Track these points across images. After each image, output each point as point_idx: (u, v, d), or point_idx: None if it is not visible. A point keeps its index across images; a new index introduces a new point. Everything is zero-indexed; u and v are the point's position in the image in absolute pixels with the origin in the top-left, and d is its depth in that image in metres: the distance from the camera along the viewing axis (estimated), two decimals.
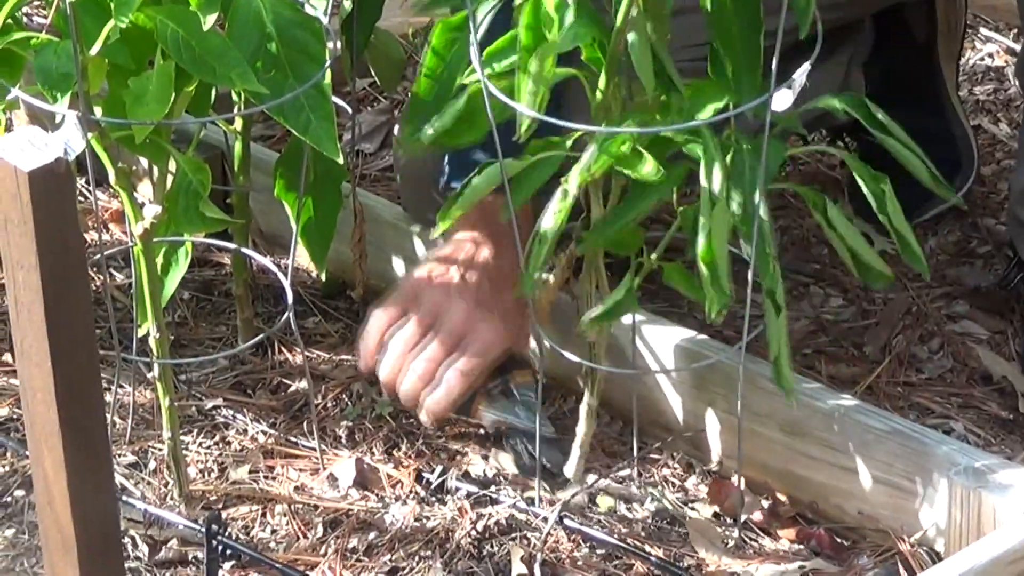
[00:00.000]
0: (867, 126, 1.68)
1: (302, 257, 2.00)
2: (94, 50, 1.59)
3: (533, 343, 1.92)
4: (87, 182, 1.98)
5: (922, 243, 2.21)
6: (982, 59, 2.65)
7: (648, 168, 1.53)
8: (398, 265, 2.11)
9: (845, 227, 1.75)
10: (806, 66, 1.56)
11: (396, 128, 2.39)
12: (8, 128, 1.79)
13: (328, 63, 1.69)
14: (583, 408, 1.84)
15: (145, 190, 1.86)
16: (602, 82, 1.62)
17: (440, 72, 1.76)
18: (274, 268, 1.98)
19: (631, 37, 1.58)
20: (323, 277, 1.98)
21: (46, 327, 1.30)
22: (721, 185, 1.57)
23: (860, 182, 1.73)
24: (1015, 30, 2.62)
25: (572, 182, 1.60)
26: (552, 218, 1.61)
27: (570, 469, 1.87)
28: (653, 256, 1.73)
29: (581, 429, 1.85)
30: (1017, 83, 2.42)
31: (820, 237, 2.23)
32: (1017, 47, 2.68)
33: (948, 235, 2.29)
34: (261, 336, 2.00)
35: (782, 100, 1.56)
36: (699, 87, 1.64)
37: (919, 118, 2.17)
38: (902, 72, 2.32)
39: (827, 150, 2.18)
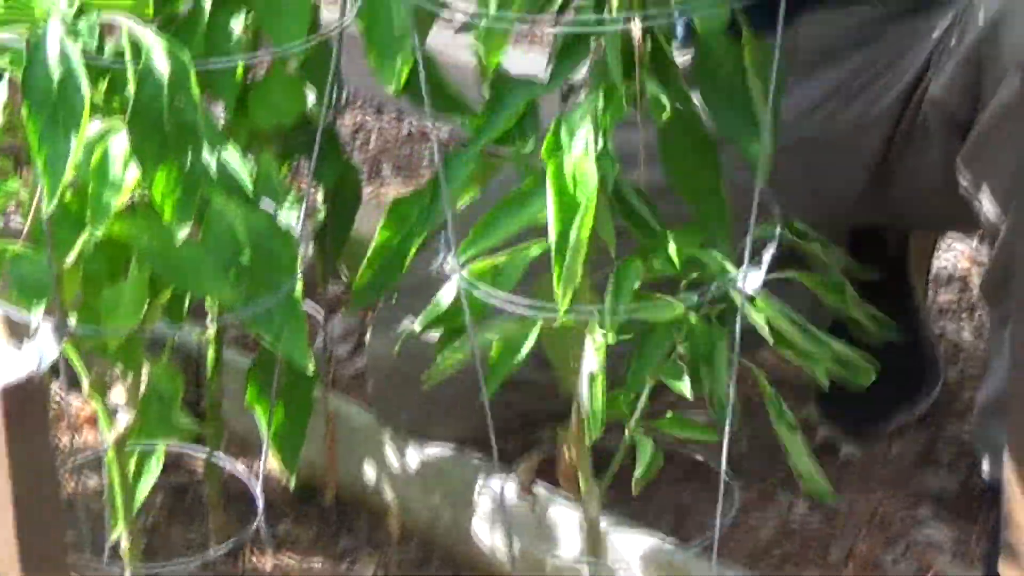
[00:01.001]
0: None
1: (274, 460, 1.97)
2: (69, 259, 1.57)
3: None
4: (60, 386, 1.98)
5: (887, 449, 2.25)
6: (944, 266, 2.64)
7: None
8: (369, 470, 2.10)
9: (789, 439, 1.74)
10: (772, 247, 1.55)
11: (368, 333, 2.36)
12: None
13: (299, 273, 1.65)
14: None
15: (118, 394, 1.85)
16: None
17: (393, 243, 1.73)
18: (244, 476, 1.93)
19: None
20: (292, 485, 1.93)
21: (16, 539, 1.31)
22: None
23: (820, 294, 1.75)
24: (978, 235, 2.60)
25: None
26: (595, 356, 1.60)
27: None
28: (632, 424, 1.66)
29: None
30: (981, 294, 2.31)
31: None
32: (979, 251, 2.69)
33: (913, 441, 2.27)
34: (232, 542, 1.92)
35: (753, 281, 1.55)
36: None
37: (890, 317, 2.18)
38: (874, 284, 2.24)
39: None
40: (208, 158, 1.61)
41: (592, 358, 1.61)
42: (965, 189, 1.97)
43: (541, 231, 1.55)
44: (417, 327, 1.69)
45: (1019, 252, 1.80)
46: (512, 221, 1.61)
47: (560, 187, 1.50)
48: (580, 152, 1.52)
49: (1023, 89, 1.80)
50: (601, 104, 1.54)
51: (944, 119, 2.00)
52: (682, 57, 1.62)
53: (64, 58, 1.46)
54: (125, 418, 1.68)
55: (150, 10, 1.59)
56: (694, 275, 1.59)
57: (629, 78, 1.54)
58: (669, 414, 1.79)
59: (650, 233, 1.58)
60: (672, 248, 1.58)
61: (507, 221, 1.60)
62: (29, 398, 1.32)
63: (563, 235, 1.49)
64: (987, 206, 1.94)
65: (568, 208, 1.50)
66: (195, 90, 1.52)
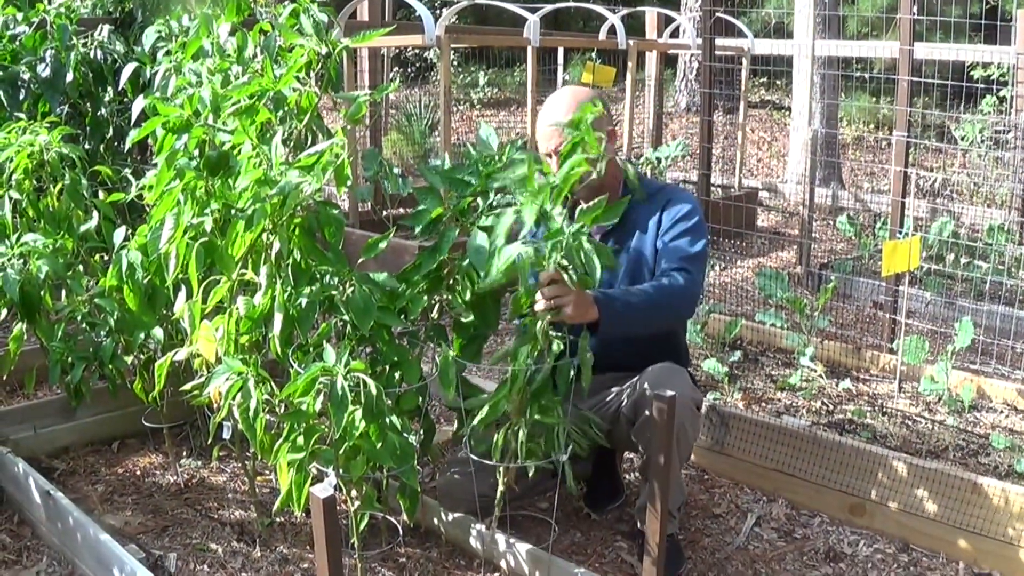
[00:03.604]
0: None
1: (405, 516, 3.30)
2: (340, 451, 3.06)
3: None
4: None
5: (607, 517, 3.89)
6: (630, 457, 4.26)
7: None
8: (434, 520, 3.63)
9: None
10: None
11: (438, 475, 3.98)
12: (315, 481, 2.96)
13: (416, 460, 3.06)
14: None
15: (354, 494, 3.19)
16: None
17: None
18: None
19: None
20: (411, 522, 3.35)
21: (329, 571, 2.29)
22: None
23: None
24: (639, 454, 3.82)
25: None
26: None
27: None
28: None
29: None
30: (639, 470, 3.85)
31: None
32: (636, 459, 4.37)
33: (615, 514, 3.92)
34: (384, 547, 3.45)
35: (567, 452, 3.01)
36: None
37: (605, 477, 4.11)
38: (600, 461, 4.00)
39: None
40: (390, 421, 3.08)
41: None
42: (635, 443, 3.45)
43: None
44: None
45: (652, 467, 3.11)
46: None
47: None
48: None
49: (651, 415, 3.04)
50: None
51: (626, 419, 3.45)
52: None
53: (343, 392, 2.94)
54: (356, 503, 3.28)
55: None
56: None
57: None
58: None
59: None
60: None
61: None
62: (331, 500, 2.27)
63: None
64: (642, 449, 3.46)
65: None
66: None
